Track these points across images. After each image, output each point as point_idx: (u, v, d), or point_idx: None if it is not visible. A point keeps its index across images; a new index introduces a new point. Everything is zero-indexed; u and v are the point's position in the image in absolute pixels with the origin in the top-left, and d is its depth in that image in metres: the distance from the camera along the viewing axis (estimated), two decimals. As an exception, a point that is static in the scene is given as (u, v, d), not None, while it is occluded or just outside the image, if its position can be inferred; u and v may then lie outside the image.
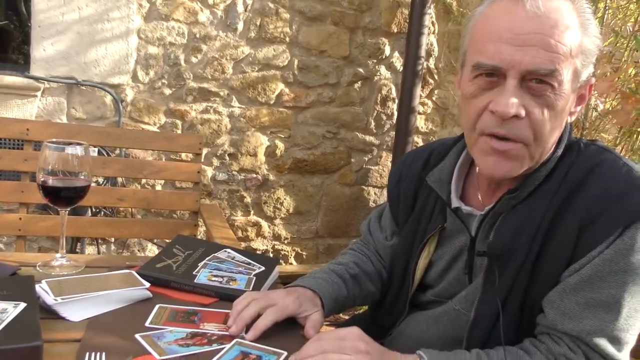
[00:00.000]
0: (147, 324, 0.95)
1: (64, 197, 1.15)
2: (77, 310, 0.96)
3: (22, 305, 0.84)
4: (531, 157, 0.91)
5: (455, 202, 1.03)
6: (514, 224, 0.94)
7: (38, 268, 1.15)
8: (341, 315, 2.26)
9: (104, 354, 0.81)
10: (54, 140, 1.13)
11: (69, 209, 1.18)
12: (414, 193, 1.13)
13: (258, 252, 3.07)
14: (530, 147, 0.89)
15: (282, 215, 3.10)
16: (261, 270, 1.22)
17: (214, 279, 1.13)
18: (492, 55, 0.87)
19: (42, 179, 1.12)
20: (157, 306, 1.02)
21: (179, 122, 2.80)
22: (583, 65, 0.89)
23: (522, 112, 0.86)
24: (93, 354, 0.81)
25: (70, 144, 1.13)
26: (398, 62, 3.14)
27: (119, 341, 0.87)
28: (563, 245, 0.89)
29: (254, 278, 1.17)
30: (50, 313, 0.94)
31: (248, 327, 0.94)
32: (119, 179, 2.67)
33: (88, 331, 0.90)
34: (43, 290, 0.97)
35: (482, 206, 1.01)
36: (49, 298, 0.94)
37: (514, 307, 0.93)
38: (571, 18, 0.87)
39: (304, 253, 3.20)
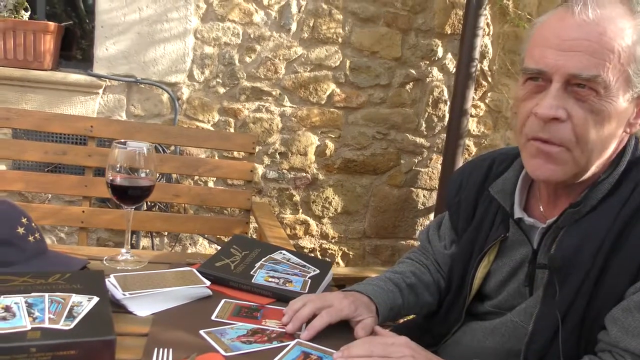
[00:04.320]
0: (213, 317, 0.99)
1: (131, 195, 1.20)
2: (143, 305, 1.00)
3: (95, 299, 0.88)
4: (575, 162, 0.90)
5: (518, 213, 1.02)
6: (577, 237, 0.93)
7: (105, 262, 1.21)
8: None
9: (171, 350, 0.85)
10: (123, 141, 1.18)
11: (134, 207, 1.23)
12: (474, 202, 1.13)
13: (305, 250, 3.11)
14: (573, 152, 0.89)
15: (330, 215, 3.12)
16: (316, 273, 1.24)
17: (270, 279, 1.16)
18: (538, 60, 0.89)
19: (111, 178, 1.17)
20: (222, 301, 1.06)
21: (232, 120, 2.86)
22: (638, 75, 0.87)
23: (563, 115, 0.87)
24: (161, 349, 0.85)
25: (137, 144, 1.18)
26: (451, 64, 3.10)
27: (184, 337, 0.91)
28: (629, 261, 0.88)
29: (309, 280, 1.19)
30: (117, 307, 0.99)
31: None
32: (174, 175, 2.75)
33: (154, 326, 0.94)
34: (112, 284, 1.02)
35: (544, 218, 1.00)
36: (118, 293, 0.99)
37: (574, 322, 0.91)
38: (625, 27, 0.86)
39: (351, 253, 3.21)
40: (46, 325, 0.79)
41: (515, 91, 1.01)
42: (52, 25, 2.54)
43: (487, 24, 3.10)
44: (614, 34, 0.85)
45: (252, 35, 2.79)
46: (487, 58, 3.17)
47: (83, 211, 1.99)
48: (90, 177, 2.00)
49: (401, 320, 1.31)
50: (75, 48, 2.91)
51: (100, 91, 2.65)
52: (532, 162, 0.93)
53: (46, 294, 0.87)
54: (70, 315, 0.82)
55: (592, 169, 0.93)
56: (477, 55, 2.87)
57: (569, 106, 0.87)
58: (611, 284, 0.89)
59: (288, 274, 1.20)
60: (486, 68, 3.18)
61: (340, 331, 0.98)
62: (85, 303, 0.86)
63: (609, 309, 0.89)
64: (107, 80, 2.64)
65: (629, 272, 0.87)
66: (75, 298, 0.88)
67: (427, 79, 3.10)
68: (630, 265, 0.87)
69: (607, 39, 0.85)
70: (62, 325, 0.79)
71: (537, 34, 0.93)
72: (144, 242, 2.87)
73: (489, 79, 3.20)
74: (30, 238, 1.09)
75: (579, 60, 0.85)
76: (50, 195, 2.68)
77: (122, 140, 1.18)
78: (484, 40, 3.09)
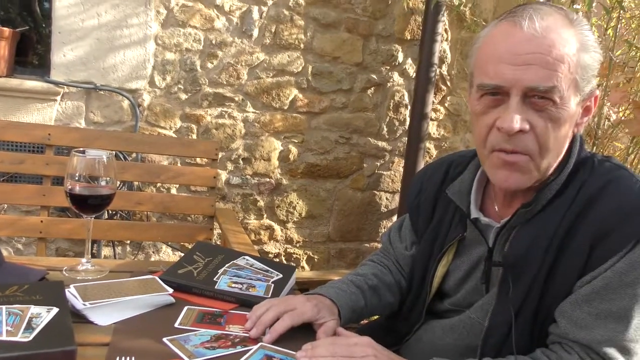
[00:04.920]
0: (176, 324, 0.99)
1: (91, 204, 1.19)
2: (104, 314, 0.99)
3: (55, 310, 0.87)
4: (537, 168, 0.95)
5: (474, 213, 1.06)
6: (529, 236, 0.97)
7: (64, 272, 1.19)
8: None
9: (133, 357, 0.85)
10: (82, 149, 1.17)
11: (95, 216, 1.22)
12: (433, 203, 1.16)
13: (270, 255, 3.11)
14: (536, 159, 0.94)
15: (295, 219, 3.13)
16: (279, 277, 1.25)
17: (233, 285, 1.16)
18: (494, 76, 0.92)
19: (70, 187, 1.16)
20: (185, 308, 1.06)
21: (194, 126, 2.84)
22: (583, 79, 0.93)
23: (527, 127, 0.91)
24: (123, 358, 0.85)
25: (96, 152, 1.17)
26: (411, 69, 3.16)
27: (147, 345, 0.91)
28: (576, 258, 0.92)
29: (272, 285, 1.20)
30: (78, 317, 0.98)
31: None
32: (135, 183, 2.71)
33: (115, 335, 0.94)
34: (72, 295, 1.01)
35: (499, 217, 1.04)
36: (78, 303, 0.98)
37: (527, 316, 0.96)
38: (568, 37, 0.91)
39: (316, 257, 3.23)
40: (4, 337, 0.78)
41: (469, 104, 1.05)
42: (6, 31, 2.48)
43: (445, 30, 3.18)
44: (561, 45, 0.90)
45: (213, 41, 2.79)
46: (446, 63, 3.25)
47: (41, 221, 1.95)
48: (48, 186, 1.95)
49: (365, 321, 1.34)
50: (32, 54, 2.84)
51: (58, 98, 2.60)
52: (498, 173, 0.97)
53: (3, 307, 0.86)
54: (29, 327, 0.81)
55: (550, 171, 0.98)
56: (436, 60, 2.94)
57: (530, 117, 0.91)
58: (560, 279, 0.94)
59: (251, 279, 1.21)
60: (445, 73, 3.25)
61: (303, 334, 0.99)
62: (44, 314, 0.86)
63: (559, 303, 0.93)
64: (65, 87, 2.59)
65: (576, 268, 0.92)
66: (34, 309, 0.87)
67: (388, 84, 3.15)
68: (577, 261, 0.92)
69: (557, 50, 0.89)
70: (21, 337, 0.78)
71: (487, 50, 0.95)
72: (106, 251, 2.82)
73: (448, 83, 3.28)
74: (-14, 250, 1.07)
75: (534, 73, 0.89)
76: (6, 206, 2.60)
77: (81, 149, 1.17)
78: (442, 46, 3.16)
